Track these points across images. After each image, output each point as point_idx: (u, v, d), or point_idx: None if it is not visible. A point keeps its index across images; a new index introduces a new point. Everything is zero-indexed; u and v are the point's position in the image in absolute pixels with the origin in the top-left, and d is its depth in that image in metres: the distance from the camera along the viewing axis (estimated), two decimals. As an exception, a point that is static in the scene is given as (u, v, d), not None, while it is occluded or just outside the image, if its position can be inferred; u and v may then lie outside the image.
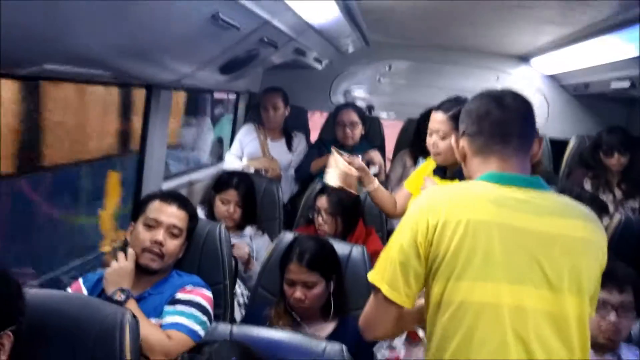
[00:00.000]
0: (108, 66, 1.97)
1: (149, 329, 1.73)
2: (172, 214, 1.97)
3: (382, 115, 4.44)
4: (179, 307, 1.85)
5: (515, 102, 1.39)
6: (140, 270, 1.92)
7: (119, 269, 1.88)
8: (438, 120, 2.16)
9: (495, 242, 1.27)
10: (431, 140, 2.19)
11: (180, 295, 1.89)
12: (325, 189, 2.78)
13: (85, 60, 1.79)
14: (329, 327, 1.96)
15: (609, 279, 1.76)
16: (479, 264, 1.26)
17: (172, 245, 1.95)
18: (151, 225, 1.94)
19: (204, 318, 1.86)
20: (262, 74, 4.08)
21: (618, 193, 3.35)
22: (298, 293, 1.93)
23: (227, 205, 2.80)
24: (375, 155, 3.42)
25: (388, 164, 3.84)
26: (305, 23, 2.68)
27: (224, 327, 1.52)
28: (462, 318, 1.26)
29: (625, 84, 2.81)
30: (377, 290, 1.34)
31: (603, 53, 2.82)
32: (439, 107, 2.19)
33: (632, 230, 2.73)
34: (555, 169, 3.93)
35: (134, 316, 1.47)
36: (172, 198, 2.01)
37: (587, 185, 3.41)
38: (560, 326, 1.26)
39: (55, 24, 1.34)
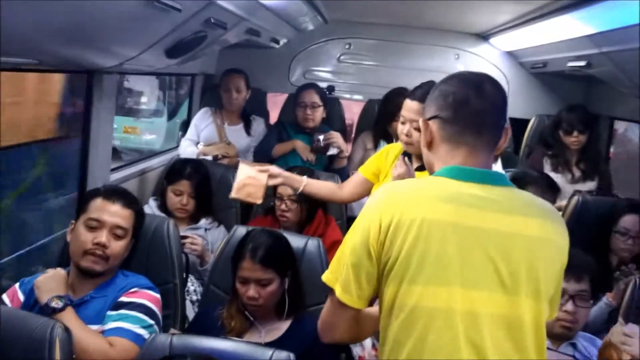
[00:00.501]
0: (42, 53, 1.83)
1: (88, 337, 1.63)
2: (115, 213, 1.84)
3: (345, 96, 4.35)
4: (122, 311, 1.75)
5: (493, 91, 1.31)
6: (82, 272, 1.81)
7: (52, 274, 1.76)
8: (414, 109, 2.07)
9: (450, 243, 1.20)
10: (404, 129, 2.12)
11: (123, 299, 1.79)
12: (299, 173, 2.68)
13: (17, 47, 1.65)
14: (284, 325, 1.88)
15: (566, 267, 1.79)
16: (431, 267, 1.20)
17: (117, 246, 1.83)
18: (93, 227, 1.81)
19: (151, 321, 1.76)
20: (217, 55, 3.93)
21: (577, 172, 3.35)
22: (251, 291, 1.83)
23: (180, 196, 2.68)
24: (335, 136, 3.34)
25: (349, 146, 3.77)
26: (256, 2, 2.55)
27: (162, 338, 1.43)
28: (414, 323, 1.20)
29: (582, 63, 2.78)
30: (332, 291, 1.29)
31: (560, 31, 2.78)
32: (413, 96, 2.10)
33: (588, 211, 2.74)
34: (515, 149, 3.92)
35: (66, 328, 1.36)
36: (116, 195, 1.88)
37: (547, 165, 3.40)
38: (515, 331, 1.21)
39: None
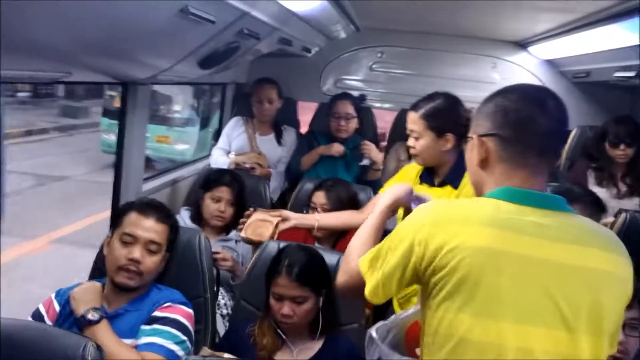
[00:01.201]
0: (77, 66, 1.83)
1: (122, 351, 1.62)
2: (150, 228, 1.82)
3: (376, 105, 4.28)
4: (156, 326, 1.73)
5: (557, 108, 1.23)
6: (117, 286, 1.79)
7: (88, 286, 1.75)
8: (411, 119, 2.03)
9: (504, 274, 1.12)
10: (410, 142, 2.06)
11: (157, 313, 1.76)
12: (323, 184, 2.65)
13: (53, 60, 1.65)
14: (317, 345, 1.82)
15: None
16: (483, 298, 1.12)
17: (151, 262, 1.81)
18: (127, 242, 1.79)
19: (184, 337, 1.74)
20: (249, 64, 3.92)
21: (622, 187, 3.21)
22: (286, 309, 1.78)
23: (219, 203, 2.66)
24: (369, 146, 3.28)
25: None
26: (288, 12, 2.52)
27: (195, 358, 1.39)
28: (461, 356, 1.13)
29: (631, 74, 2.66)
30: (359, 270, 1.32)
31: (606, 41, 2.67)
32: (412, 106, 2.06)
33: (637, 228, 2.60)
34: (554, 161, 3.79)
35: (98, 347, 1.34)
36: (151, 209, 1.86)
37: (591, 179, 3.27)
38: None
39: (20, 24, 1.22)
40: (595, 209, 2.41)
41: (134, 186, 2.58)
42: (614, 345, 1.22)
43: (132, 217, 1.82)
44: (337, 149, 3.34)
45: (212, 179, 2.75)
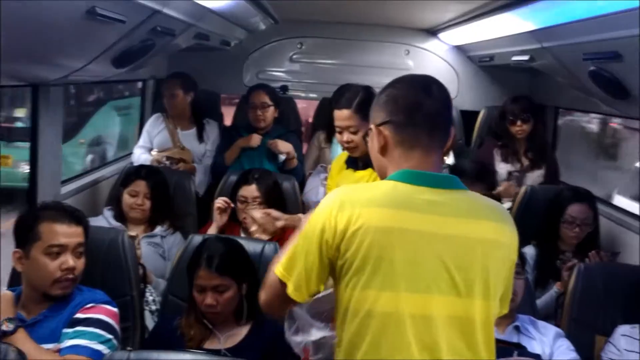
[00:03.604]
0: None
1: (41, 357, 1.60)
2: (73, 233, 1.79)
3: (299, 95, 4.37)
4: (79, 328, 1.72)
5: (441, 91, 1.35)
6: (47, 296, 1.76)
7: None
8: (345, 117, 2.12)
9: (402, 249, 1.23)
10: (343, 137, 2.16)
11: (79, 315, 1.76)
12: (250, 177, 2.68)
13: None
14: (243, 331, 1.90)
15: None
16: (384, 274, 1.22)
17: (81, 264, 1.80)
18: (55, 252, 1.75)
19: (109, 335, 1.75)
20: (167, 59, 3.89)
21: (525, 161, 3.46)
22: (209, 299, 1.85)
23: (135, 197, 2.66)
24: (280, 144, 3.35)
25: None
26: (202, 7, 2.54)
27: (120, 355, 1.42)
28: (368, 328, 1.23)
29: (525, 57, 2.88)
30: (283, 283, 1.33)
31: (504, 27, 2.87)
32: (339, 105, 2.15)
33: (537, 198, 2.85)
34: (467, 141, 4.01)
35: (19, 351, 1.34)
36: (62, 213, 1.81)
37: (497, 156, 3.49)
38: (467, 330, 1.25)
39: None
40: (480, 179, 2.61)
41: (51, 190, 2.53)
42: (505, 305, 1.37)
43: (49, 227, 1.76)
44: (255, 140, 3.39)
45: (129, 174, 2.76)
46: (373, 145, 1.39)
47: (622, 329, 2.08)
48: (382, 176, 1.40)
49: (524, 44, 2.81)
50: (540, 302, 2.50)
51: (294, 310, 1.52)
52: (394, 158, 1.34)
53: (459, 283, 1.24)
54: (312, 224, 1.30)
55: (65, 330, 1.72)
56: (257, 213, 2.28)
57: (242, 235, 2.55)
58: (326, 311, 1.51)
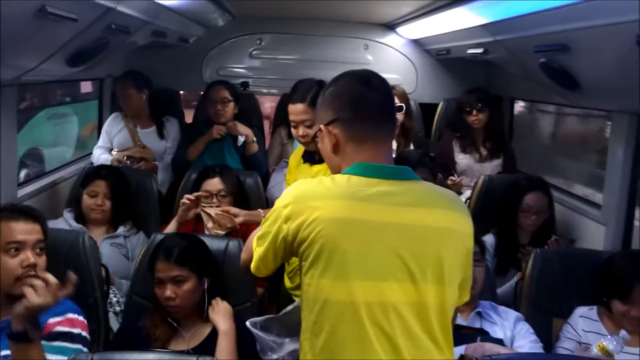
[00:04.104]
0: None
1: None
2: (31, 230, 1.76)
3: (259, 90, 4.36)
4: (58, 344, 1.69)
5: (381, 84, 1.38)
6: (15, 297, 1.69)
7: None
8: (299, 111, 2.14)
9: (356, 239, 1.27)
10: (299, 132, 2.17)
11: (58, 328, 1.72)
12: (211, 171, 2.68)
13: None
14: (208, 328, 1.90)
15: None
16: (339, 263, 1.26)
17: (43, 262, 1.77)
18: (15, 250, 1.71)
19: (77, 345, 1.72)
20: (125, 57, 3.82)
21: (483, 152, 3.54)
22: (168, 291, 1.85)
23: (95, 197, 2.62)
24: (239, 126, 3.37)
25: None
26: (158, 5, 2.51)
27: (84, 357, 1.41)
28: (326, 317, 1.27)
29: (479, 50, 2.94)
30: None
31: (459, 21, 2.92)
32: (293, 99, 2.17)
33: (494, 187, 2.94)
34: (426, 133, 4.08)
35: None
36: (17, 212, 1.78)
37: (456, 147, 3.57)
38: (423, 315, 1.29)
39: None
40: (433, 169, 2.67)
41: (7, 192, 2.47)
42: (465, 292, 1.41)
43: (6, 225, 1.73)
44: (217, 129, 3.38)
45: (88, 174, 2.72)
46: (324, 145, 1.41)
47: (580, 311, 2.17)
48: (334, 172, 1.41)
49: (478, 37, 2.88)
50: (500, 290, 2.58)
51: (254, 334, 1.56)
52: (347, 154, 1.37)
53: (413, 270, 1.28)
54: (274, 215, 1.34)
55: (45, 343, 1.67)
56: (212, 210, 2.29)
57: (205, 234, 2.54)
58: (295, 324, 1.55)
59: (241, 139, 3.37)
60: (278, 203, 1.35)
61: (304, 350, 1.33)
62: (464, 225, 1.37)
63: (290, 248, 1.32)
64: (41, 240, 1.78)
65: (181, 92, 5.08)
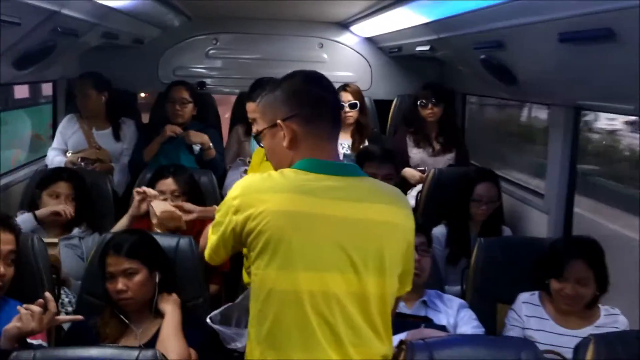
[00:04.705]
0: None
1: None
2: (7, 240, 1.79)
3: (220, 90, 4.38)
4: None
5: (329, 84, 1.45)
6: None
7: None
8: (252, 109, 2.19)
9: (301, 231, 1.32)
10: (255, 128, 2.22)
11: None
12: (165, 171, 2.70)
13: None
14: (159, 324, 1.92)
15: None
16: (284, 254, 1.31)
17: (10, 273, 1.80)
18: None
19: None
20: (79, 58, 3.80)
21: (436, 146, 3.64)
22: (119, 285, 1.88)
23: (57, 199, 2.62)
24: (192, 134, 3.38)
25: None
26: (106, 7, 2.52)
27: (25, 355, 1.43)
28: (271, 305, 1.33)
29: (426, 48, 3.03)
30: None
31: (406, 19, 3.01)
32: (251, 97, 2.21)
33: (444, 180, 3.04)
34: (382, 129, 4.16)
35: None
36: None
37: (410, 142, 3.66)
38: (364, 304, 1.35)
39: None
40: (384, 163, 2.77)
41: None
42: (407, 283, 1.49)
43: None
44: (171, 128, 3.40)
45: (49, 176, 2.71)
46: (276, 141, 1.43)
47: (523, 297, 2.26)
48: (284, 167, 1.44)
49: (424, 35, 2.97)
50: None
51: (216, 329, 1.60)
52: (302, 150, 1.40)
53: (356, 261, 1.34)
54: (226, 206, 1.40)
55: None
56: (161, 205, 2.31)
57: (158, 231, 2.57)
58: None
59: (197, 147, 3.39)
60: (228, 195, 1.41)
61: (250, 338, 1.39)
62: (406, 219, 1.44)
63: (239, 239, 1.38)
64: (13, 250, 1.80)
65: (142, 94, 5.09)
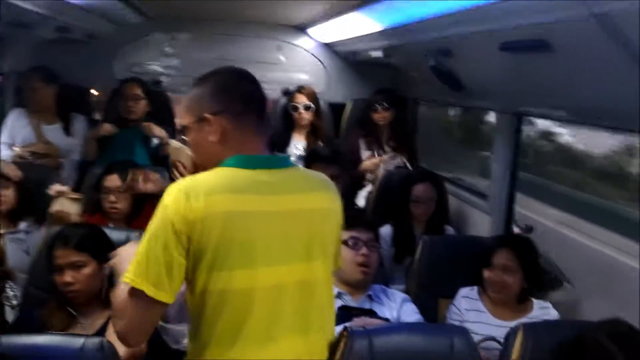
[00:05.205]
0: None
1: None
2: None
3: (177, 88, 4.35)
4: None
5: (256, 81, 1.46)
6: None
7: None
8: None
9: (251, 229, 1.33)
10: (180, 123, 2.25)
11: None
12: (112, 168, 2.71)
13: None
14: (107, 314, 1.91)
15: (359, 221, 2.21)
16: (236, 254, 1.32)
17: None
18: None
19: None
20: (31, 52, 3.73)
21: (388, 149, 3.76)
22: (67, 277, 1.87)
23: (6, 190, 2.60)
24: (154, 127, 3.40)
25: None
26: (61, 1, 2.51)
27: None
28: (223, 306, 1.32)
29: (379, 54, 3.13)
30: (138, 292, 1.28)
31: (359, 27, 3.10)
32: None
33: (392, 181, 3.14)
34: (335, 132, 4.25)
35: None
36: None
37: (362, 144, 3.77)
38: (313, 290, 1.41)
39: None
40: (332, 163, 2.87)
41: None
42: (338, 261, 1.57)
43: None
44: (105, 129, 3.40)
45: None
46: (204, 136, 1.41)
47: (463, 291, 2.37)
48: (211, 164, 1.41)
49: (378, 41, 3.07)
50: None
51: (165, 326, 1.58)
52: (231, 145, 1.40)
53: (302, 251, 1.39)
54: (161, 219, 1.31)
55: None
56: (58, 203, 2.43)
57: (110, 225, 2.57)
58: None
59: (155, 141, 3.39)
60: (168, 202, 1.32)
61: (197, 340, 1.36)
62: (337, 203, 1.50)
63: (185, 247, 1.30)
64: None
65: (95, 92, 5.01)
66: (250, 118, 1.43)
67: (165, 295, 1.29)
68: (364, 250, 2.17)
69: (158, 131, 3.38)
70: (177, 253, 1.30)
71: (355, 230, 2.17)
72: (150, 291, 1.28)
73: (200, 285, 1.33)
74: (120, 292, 1.32)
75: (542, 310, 2.26)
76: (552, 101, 2.13)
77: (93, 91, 4.29)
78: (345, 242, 2.10)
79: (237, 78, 1.46)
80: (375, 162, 3.54)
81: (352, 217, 2.19)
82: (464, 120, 4.98)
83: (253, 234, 1.34)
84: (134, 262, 1.31)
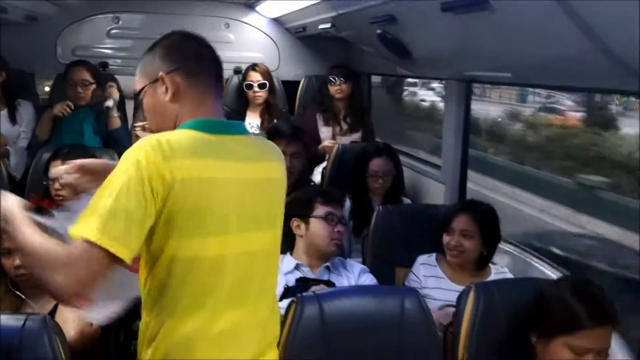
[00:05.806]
0: None
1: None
2: None
3: (124, 70, 4.23)
4: None
5: (208, 43, 1.44)
6: None
7: None
8: None
9: (214, 197, 1.30)
10: (134, 88, 2.20)
11: None
12: (59, 153, 2.60)
13: None
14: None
15: (334, 199, 2.24)
16: (211, 221, 1.29)
17: None
18: None
19: None
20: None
21: (344, 125, 3.76)
22: (18, 261, 1.82)
23: None
24: (113, 89, 3.36)
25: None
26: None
27: None
28: (192, 274, 1.29)
29: (328, 25, 3.10)
30: (98, 248, 1.16)
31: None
32: None
33: (347, 155, 3.14)
34: (290, 109, 4.22)
35: None
36: None
37: (319, 120, 3.76)
38: (273, 261, 1.43)
39: None
40: (293, 140, 2.85)
41: None
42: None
43: None
44: (60, 108, 3.27)
45: None
46: (158, 97, 1.37)
47: (421, 259, 2.39)
48: (167, 127, 1.37)
49: (325, 13, 3.03)
50: None
51: None
52: (187, 105, 1.36)
53: (266, 219, 1.39)
54: (134, 174, 1.21)
55: None
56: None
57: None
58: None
59: (109, 103, 3.31)
60: (140, 159, 1.22)
61: (159, 311, 1.31)
62: (284, 172, 1.50)
63: (157, 207, 1.23)
64: None
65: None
66: (204, 77, 1.39)
67: (129, 254, 1.19)
68: (339, 227, 2.20)
69: (115, 94, 3.32)
70: (151, 211, 1.22)
71: (331, 206, 2.20)
72: (114, 249, 1.16)
73: (169, 252, 1.26)
74: (56, 245, 1.19)
75: (499, 275, 2.30)
76: (497, 64, 2.14)
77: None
78: (323, 218, 2.16)
79: (185, 38, 1.43)
80: (335, 142, 3.53)
81: (329, 193, 2.27)
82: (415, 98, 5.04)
83: (228, 201, 1.32)
84: (92, 217, 1.18)
